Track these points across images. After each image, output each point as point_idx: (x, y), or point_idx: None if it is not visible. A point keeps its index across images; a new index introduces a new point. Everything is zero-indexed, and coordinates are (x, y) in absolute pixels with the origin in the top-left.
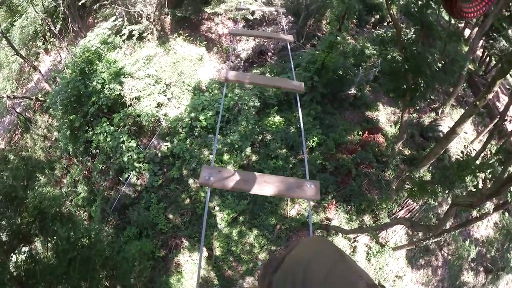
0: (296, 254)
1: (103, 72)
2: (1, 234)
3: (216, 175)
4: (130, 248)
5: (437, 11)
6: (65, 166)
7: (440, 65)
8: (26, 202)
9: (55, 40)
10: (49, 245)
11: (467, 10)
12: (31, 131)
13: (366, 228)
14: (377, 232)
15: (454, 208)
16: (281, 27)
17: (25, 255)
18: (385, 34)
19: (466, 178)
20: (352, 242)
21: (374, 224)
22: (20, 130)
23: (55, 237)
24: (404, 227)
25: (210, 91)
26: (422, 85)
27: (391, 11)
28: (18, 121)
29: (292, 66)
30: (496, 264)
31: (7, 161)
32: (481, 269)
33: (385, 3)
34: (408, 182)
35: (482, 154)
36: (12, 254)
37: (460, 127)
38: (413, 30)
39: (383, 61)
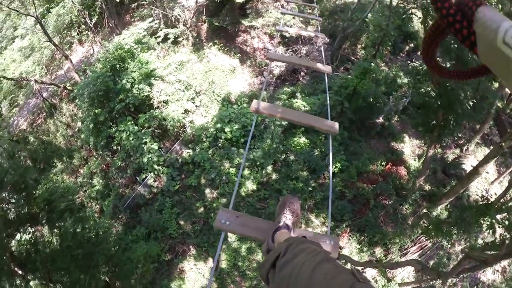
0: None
1: (134, 72)
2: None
3: (234, 220)
4: (136, 249)
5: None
6: (84, 157)
7: (471, 103)
8: (35, 194)
9: (89, 33)
10: (54, 238)
11: (441, 69)
12: (55, 117)
13: (376, 264)
14: (385, 268)
15: (467, 260)
16: (316, 47)
17: (29, 235)
18: (420, 67)
19: (483, 224)
20: (361, 270)
21: (384, 258)
22: (44, 114)
23: (61, 230)
24: None
25: (239, 104)
26: (452, 122)
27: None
28: (43, 106)
29: (329, 104)
30: None
31: (27, 142)
32: None
33: (419, 33)
34: (424, 220)
35: (502, 200)
36: (16, 232)
37: (483, 168)
38: (448, 65)
39: (415, 93)
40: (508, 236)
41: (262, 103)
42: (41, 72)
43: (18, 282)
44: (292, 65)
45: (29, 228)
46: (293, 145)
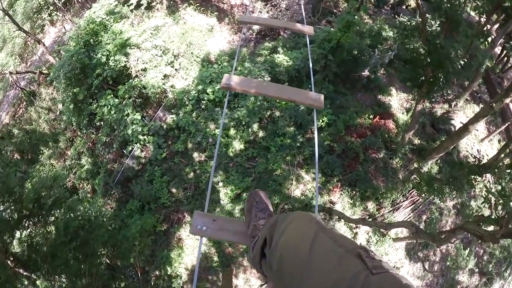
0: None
1: (108, 44)
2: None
3: (211, 225)
4: (131, 227)
5: (464, 6)
6: (69, 138)
7: (462, 62)
8: (23, 193)
9: (57, 14)
10: (48, 235)
11: None
12: (36, 104)
13: (369, 222)
14: (379, 227)
15: (461, 230)
16: (296, 0)
17: (26, 234)
18: (408, 22)
19: (475, 184)
20: (354, 228)
21: (377, 212)
22: (24, 103)
23: (54, 225)
24: (407, 217)
25: (220, 63)
26: (441, 79)
27: (419, 1)
28: (23, 95)
29: (312, 77)
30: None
31: (12, 135)
32: (477, 270)
33: None
34: (415, 175)
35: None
36: (16, 230)
37: (473, 126)
38: (438, 23)
39: (401, 47)
40: (501, 202)
41: (234, 78)
42: (15, 62)
43: (26, 283)
44: (269, 27)
45: (24, 228)
46: (277, 101)
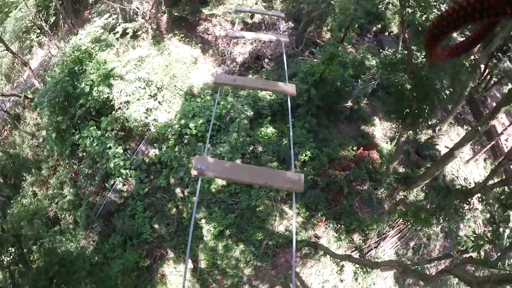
0: None
1: (92, 73)
2: None
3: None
4: (112, 265)
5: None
6: (52, 166)
7: (448, 92)
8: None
9: (45, 37)
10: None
11: (442, 54)
12: (20, 128)
13: (355, 259)
14: (365, 266)
15: (446, 273)
16: (280, 32)
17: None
18: (393, 56)
19: (463, 213)
20: (340, 261)
21: (363, 244)
22: (9, 126)
23: (33, 269)
24: (394, 246)
25: (202, 97)
26: (426, 110)
27: (405, 35)
28: (7, 117)
29: (286, 68)
30: None
31: None
32: None
33: (387, 13)
34: (401, 206)
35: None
36: None
37: (459, 151)
38: (423, 54)
39: (385, 78)
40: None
41: (207, 160)
42: (0, 83)
43: None
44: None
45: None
46: (260, 136)
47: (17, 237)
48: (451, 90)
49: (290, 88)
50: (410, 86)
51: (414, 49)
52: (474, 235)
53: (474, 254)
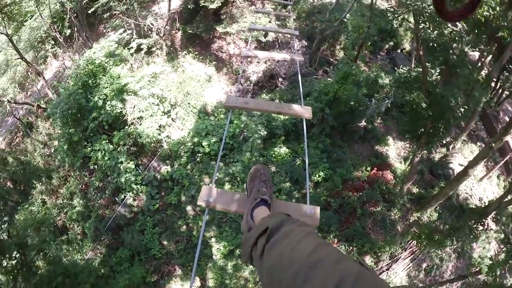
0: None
1: (106, 87)
2: None
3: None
4: (118, 280)
5: (462, 45)
6: (62, 176)
7: (462, 109)
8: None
9: (59, 48)
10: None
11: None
12: (32, 136)
13: None
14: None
15: None
16: (294, 51)
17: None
18: (408, 75)
19: (477, 234)
20: None
21: (375, 266)
22: (21, 133)
23: (37, 275)
24: (406, 268)
25: (216, 115)
26: (441, 129)
27: (420, 52)
28: (19, 124)
29: (301, 89)
30: None
31: (6, 162)
32: None
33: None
34: (415, 228)
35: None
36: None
37: (473, 169)
38: (438, 71)
39: (399, 96)
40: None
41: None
42: (14, 91)
43: None
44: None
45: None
46: (273, 155)
47: (21, 245)
48: (466, 107)
49: (305, 111)
50: (425, 105)
51: (428, 66)
52: (490, 259)
53: (488, 278)
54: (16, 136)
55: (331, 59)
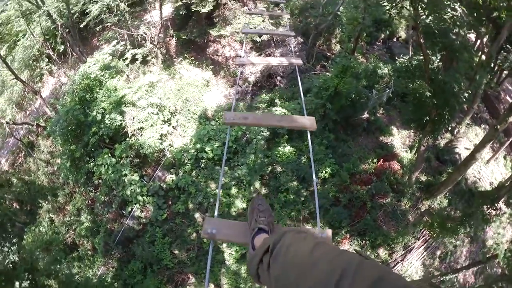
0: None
1: (104, 101)
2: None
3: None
4: None
5: (461, 32)
6: (68, 193)
7: (466, 94)
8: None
9: (53, 65)
10: None
11: None
12: (34, 155)
13: None
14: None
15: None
16: (290, 48)
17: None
18: (409, 63)
19: (491, 220)
20: None
21: (389, 258)
22: (23, 153)
23: None
24: (420, 257)
25: (217, 119)
26: (446, 116)
27: (421, 40)
28: (20, 145)
29: (302, 97)
30: None
31: (10, 183)
32: None
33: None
34: (426, 217)
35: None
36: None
37: (480, 153)
38: (439, 57)
39: (402, 88)
40: None
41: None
42: (12, 111)
43: None
44: (262, 126)
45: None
46: (278, 155)
47: (30, 270)
48: (469, 92)
49: (309, 122)
50: (429, 94)
51: (429, 53)
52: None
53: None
54: (18, 156)
55: (328, 53)
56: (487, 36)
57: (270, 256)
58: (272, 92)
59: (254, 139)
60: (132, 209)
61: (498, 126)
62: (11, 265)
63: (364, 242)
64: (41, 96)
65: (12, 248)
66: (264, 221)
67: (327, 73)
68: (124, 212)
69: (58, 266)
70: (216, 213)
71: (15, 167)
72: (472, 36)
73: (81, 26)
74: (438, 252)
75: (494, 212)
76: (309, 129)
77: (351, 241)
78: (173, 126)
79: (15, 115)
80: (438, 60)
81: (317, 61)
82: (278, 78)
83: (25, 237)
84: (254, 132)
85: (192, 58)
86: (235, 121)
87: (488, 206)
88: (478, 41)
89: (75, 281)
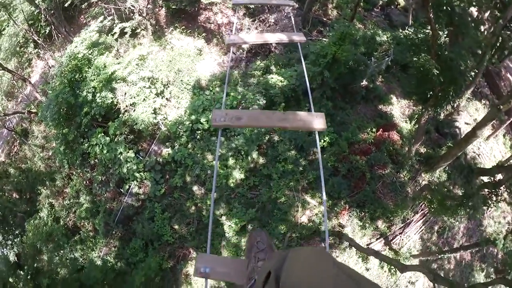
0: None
1: (93, 80)
2: None
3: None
4: (134, 278)
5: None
6: (65, 176)
7: (473, 73)
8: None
9: (39, 50)
10: None
11: None
12: (29, 142)
13: (382, 256)
14: (393, 266)
15: None
16: (285, 14)
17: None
18: (416, 37)
19: (491, 204)
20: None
21: (387, 230)
22: (18, 141)
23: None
24: (418, 231)
25: (211, 88)
26: (451, 93)
27: (430, 15)
28: (14, 134)
29: (310, 93)
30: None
31: (8, 174)
32: (492, 270)
33: None
34: (426, 192)
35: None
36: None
37: (481, 130)
38: (446, 33)
39: (403, 58)
40: None
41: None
42: (2, 103)
43: None
44: (258, 127)
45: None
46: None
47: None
48: (476, 71)
49: (317, 120)
50: (437, 72)
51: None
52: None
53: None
54: (13, 145)
55: (325, 19)
56: (489, 12)
57: (274, 284)
58: (267, 58)
59: (250, 107)
60: (129, 186)
61: (502, 107)
62: (15, 258)
63: (363, 214)
64: (30, 82)
65: (15, 240)
66: (268, 259)
67: (324, 39)
68: (122, 190)
69: (61, 252)
70: (208, 247)
71: (11, 157)
72: (473, 9)
73: (66, 5)
74: (436, 227)
75: (495, 198)
76: (318, 130)
77: (350, 212)
78: (166, 98)
79: (7, 104)
80: (445, 36)
81: (313, 27)
82: (273, 44)
83: (26, 226)
84: (250, 100)
85: (184, 27)
86: (226, 123)
87: (490, 192)
88: (480, 15)
89: (79, 264)
